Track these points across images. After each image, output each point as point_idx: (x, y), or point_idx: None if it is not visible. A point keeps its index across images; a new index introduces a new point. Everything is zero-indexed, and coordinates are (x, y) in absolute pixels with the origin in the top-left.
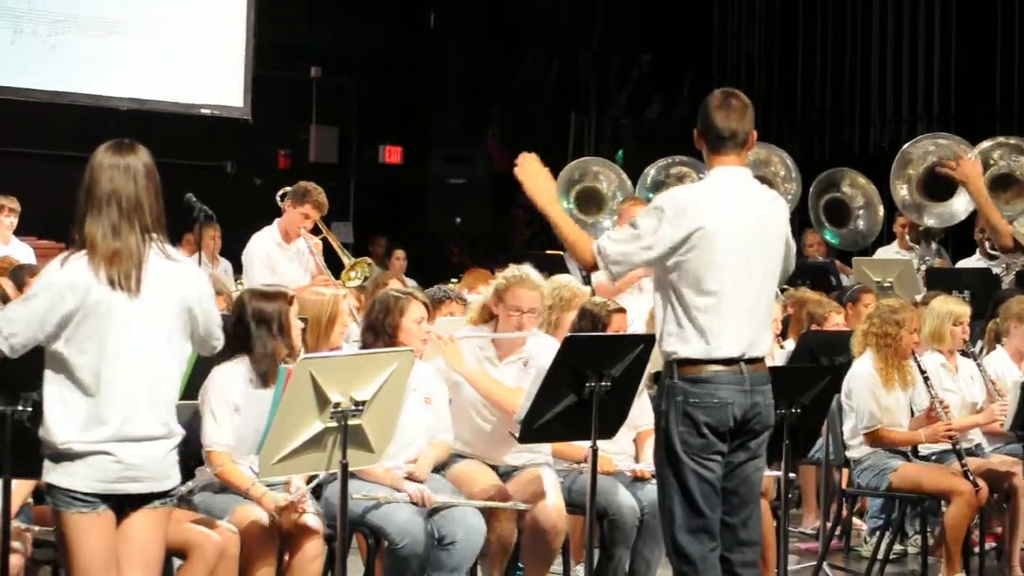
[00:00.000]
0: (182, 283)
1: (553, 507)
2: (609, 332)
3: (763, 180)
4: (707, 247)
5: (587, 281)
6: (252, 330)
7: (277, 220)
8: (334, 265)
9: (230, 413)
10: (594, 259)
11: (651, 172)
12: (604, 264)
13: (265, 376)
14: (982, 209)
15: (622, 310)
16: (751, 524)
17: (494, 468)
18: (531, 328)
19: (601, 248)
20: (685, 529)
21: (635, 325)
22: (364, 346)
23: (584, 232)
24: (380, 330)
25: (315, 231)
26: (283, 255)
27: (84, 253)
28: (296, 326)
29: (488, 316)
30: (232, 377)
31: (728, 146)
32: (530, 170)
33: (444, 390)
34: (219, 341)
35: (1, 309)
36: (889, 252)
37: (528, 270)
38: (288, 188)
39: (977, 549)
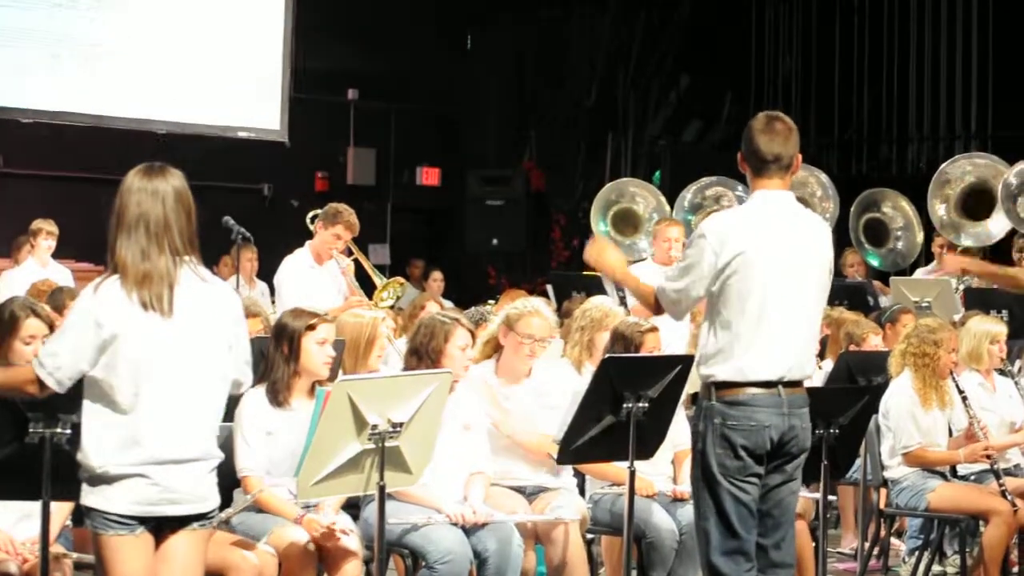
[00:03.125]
0: (217, 305)
1: (570, 550)
2: (643, 352)
3: (800, 202)
4: (748, 272)
5: (623, 302)
6: (271, 348)
7: (309, 242)
8: (366, 286)
9: (262, 437)
10: (658, 303)
11: (688, 195)
12: (667, 306)
13: (276, 395)
14: (995, 279)
15: (654, 329)
16: (784, 546)
17: (520, 490)
18: (540, 356)
19: (661, 291)
20: (720, 551)
21: (672, 348)
22: (407, 369)
23: (647, 284)
24: (424, 354)
25: (347, 253)
26: (316, 277)
27: (116, 277)
28: (311, 351)
29: (493, 350)
30: (258, 401)
31: (772, 169)
32: (600, 249)
33: (483, 418)
34: (247, 379)
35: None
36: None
37: (539, 303)
38: (318, 210)
39: (1016, 569)
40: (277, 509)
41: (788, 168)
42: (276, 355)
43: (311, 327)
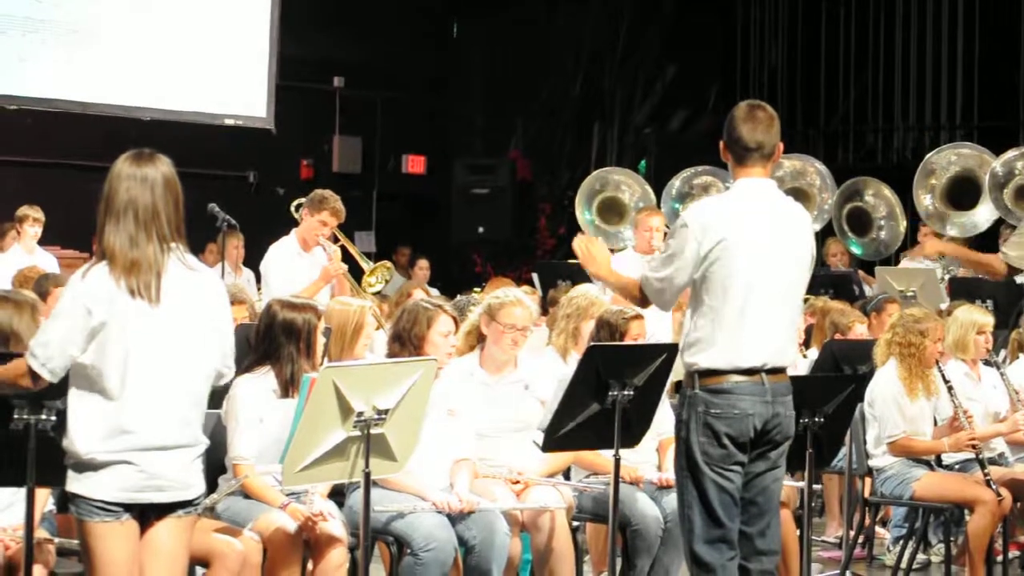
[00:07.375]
0: (203, 292)
1: (556, 538)
2: (628, 340)
3: (799, 192)
4: (730, 259)
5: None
6: (280, 340)
7: (295, 230)
8: (354, 272)
9: (256, 425)
10: (643, 295)
11: (676, 184)
12: (652, 296)
13: (287, 386)
14: (971, 264)
15: (639, 317)
16: (769, 533)
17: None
18: (523, 346)
19: (645, 282)
20: (704, 539)
21: (658, 336)
22: (390, 355)
23: (629, 277)
24: (406, 340)
25: (333, 239)
26: (302, 265)
27: (104, 264)
28: (319, 341)
29: (476, 341)
30: (257, 388)
31: (754, 158)
32: (586, 245)
33: (468, 404)
34: (229, 371)
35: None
36: (913, 262)
37: (519, 292)
38: (302, 199)
39: (1000, 558)
40: (262, 495)
41: (770, 156)
42: (291, 349)
43: (318, 316)
